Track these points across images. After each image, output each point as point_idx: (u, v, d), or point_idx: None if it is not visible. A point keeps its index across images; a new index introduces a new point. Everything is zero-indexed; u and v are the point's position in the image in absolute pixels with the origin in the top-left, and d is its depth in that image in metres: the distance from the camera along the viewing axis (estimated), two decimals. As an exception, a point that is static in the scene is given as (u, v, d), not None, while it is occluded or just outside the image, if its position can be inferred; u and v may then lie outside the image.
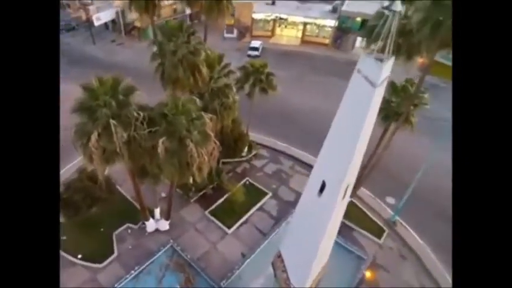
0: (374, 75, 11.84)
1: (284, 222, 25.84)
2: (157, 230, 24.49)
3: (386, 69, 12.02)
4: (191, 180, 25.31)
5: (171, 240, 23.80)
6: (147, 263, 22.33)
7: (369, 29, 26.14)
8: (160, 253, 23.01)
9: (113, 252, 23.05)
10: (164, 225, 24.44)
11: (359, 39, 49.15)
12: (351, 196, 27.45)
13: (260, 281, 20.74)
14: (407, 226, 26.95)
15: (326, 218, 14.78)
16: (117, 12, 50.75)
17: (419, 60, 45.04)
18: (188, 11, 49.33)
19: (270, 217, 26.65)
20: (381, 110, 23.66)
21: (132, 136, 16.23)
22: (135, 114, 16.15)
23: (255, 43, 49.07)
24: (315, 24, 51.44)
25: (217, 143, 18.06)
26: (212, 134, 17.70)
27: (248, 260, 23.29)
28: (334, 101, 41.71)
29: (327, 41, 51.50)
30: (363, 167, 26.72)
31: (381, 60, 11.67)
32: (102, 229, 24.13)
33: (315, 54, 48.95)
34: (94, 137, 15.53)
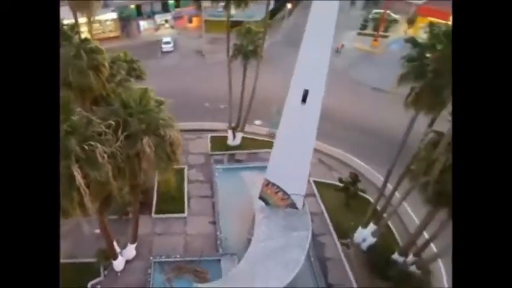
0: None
1: (215, 178, 24.98)
2: (126, 262, 19.09)
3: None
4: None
5: (151, 258, 19.28)
6: (147, 295, 17.63)
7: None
8: (151, 276, 18.38)
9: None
10: (131, 251, 19.16)
11: (141, 23, 47.21)
12: (243, 132, 28.93)
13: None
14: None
15: (314, 121, 15.82)
16: None
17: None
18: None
19: (203, 182, 24.97)
20: (239, 51, 25.14)
21: (110, 153, 11.79)
22: (103, 127, 11.62)
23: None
24: (97, 21, 44.60)
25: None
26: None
27: (221, 222, 21.98)
28: (166, 75, 39.11)
29: (115, 34, 46.16)
30: (239, 110, 27.91)
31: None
32: (65, 309, 16.78)
33: (114, 47, 42.84)
34: (77, 173, 10.47)
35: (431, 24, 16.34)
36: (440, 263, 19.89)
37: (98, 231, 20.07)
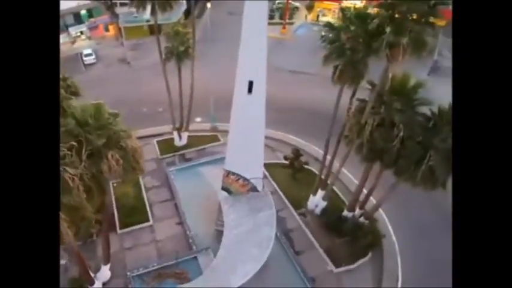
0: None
1: (173, 179, 24.41)
2: (103, 284, 17.81)
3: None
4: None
5: (128, 273, 18.30)
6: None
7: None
8: (134, 292, 17.58)
9: None
10: (106, 273, 18.01)
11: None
12: (188, 131, 28.47)
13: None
14: (221, 122, 29.45)
15: (261, 107, 16.54)
16: None
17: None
18: None
19: (160, 187, 24.21)
20: (171, 53, 24.48)
21: (78, 175, 10.98)
22: (65, 150, 10.71)
23: None
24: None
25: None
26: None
27: (187, 220, 21.73)
28: (97, 88, 36.24)
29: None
30: (181, 110, 27.22)
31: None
32: None
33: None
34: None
35: (342, 9, 18.16)
36: (381, 211, 22.62)
37: (63, 261, 18.43)
